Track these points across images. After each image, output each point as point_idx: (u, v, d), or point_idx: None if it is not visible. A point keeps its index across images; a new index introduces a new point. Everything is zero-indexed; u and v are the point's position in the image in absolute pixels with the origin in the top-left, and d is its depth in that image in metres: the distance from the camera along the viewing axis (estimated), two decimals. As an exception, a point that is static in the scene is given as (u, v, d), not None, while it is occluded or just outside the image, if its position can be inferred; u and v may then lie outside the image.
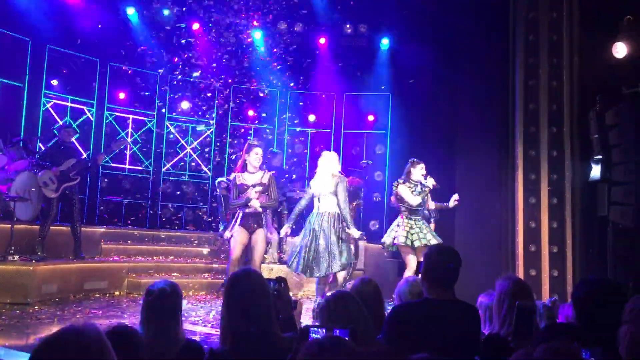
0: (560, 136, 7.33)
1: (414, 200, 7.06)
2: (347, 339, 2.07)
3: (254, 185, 7.01)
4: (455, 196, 7.60)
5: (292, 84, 11.47)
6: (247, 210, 7.00)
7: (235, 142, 11.53)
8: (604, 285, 2.80)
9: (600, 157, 6.81)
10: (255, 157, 7.02)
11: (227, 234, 7.19)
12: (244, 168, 7.12)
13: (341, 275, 6.91)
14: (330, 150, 7.48)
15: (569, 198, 7.19)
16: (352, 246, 7.19)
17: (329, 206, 6.82)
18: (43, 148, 9.27)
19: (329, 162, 6.91)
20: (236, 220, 7.11)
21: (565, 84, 7.31)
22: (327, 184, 6.81)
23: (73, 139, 8.77)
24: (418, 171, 7.23)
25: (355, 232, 6.89)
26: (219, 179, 7.47)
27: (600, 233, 6.91)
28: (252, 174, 7.08)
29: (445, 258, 3.03)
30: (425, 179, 7.18)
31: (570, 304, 3.57)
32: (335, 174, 6.85)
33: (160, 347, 2.71)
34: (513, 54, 7.77)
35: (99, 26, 9.92)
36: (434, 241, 6.92)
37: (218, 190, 9.06)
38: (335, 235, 6.75)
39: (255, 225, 7.02)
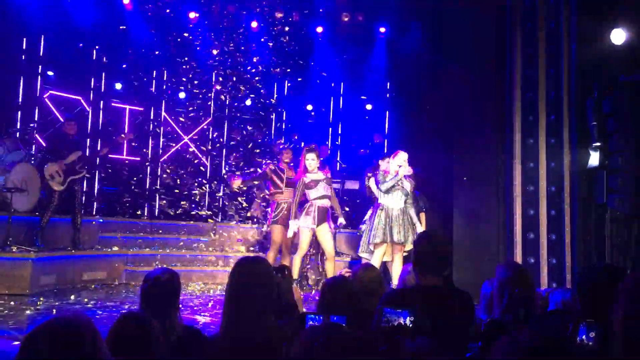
0: (559, 124, 7.31)
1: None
2: (344, 325, 2.07)
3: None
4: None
5: (289, 73, 11.43)
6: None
7: (233, 133, 11.50)
8: (607, 272, 2.80)
9: (598, 144, 6.79)
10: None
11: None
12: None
13: (374, 259, 7.06)
14: (327, 140, 7.68)
15: (567, 186, 7.18)
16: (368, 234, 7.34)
17: None
18: (41, 140, 9.26)
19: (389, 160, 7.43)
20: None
21: (563, 72, 7.28)
22: None
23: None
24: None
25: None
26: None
27: (598, 221, 6.90)
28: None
29: (434, 244, 3.02)
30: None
31: (560, 290, 3.58)
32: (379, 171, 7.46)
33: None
34: (511, 41, 7.73)
35: (95, 16, 9.86)
36: None
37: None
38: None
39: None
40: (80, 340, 1.69)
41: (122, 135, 9.18)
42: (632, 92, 6.29)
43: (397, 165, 7.20)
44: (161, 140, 11.20)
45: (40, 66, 9.71)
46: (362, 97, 11.49)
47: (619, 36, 6.42)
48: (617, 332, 2.13)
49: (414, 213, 7.46)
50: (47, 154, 8.17)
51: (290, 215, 7.70)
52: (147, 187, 10.95)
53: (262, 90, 11.50)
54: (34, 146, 9.11)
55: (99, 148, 9.55)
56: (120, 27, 10.30)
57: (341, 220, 7.94)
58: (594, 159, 6.77)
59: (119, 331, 2.35)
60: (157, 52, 10.73)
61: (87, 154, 9.06)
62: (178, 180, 11.14)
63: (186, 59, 10.95)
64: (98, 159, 9.21)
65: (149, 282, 2.91)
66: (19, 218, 7.87)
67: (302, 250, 7.69)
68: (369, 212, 7.55)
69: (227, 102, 11.53)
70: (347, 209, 9.05)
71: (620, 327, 2.11)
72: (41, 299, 6.96)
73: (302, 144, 11.06)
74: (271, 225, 7.91)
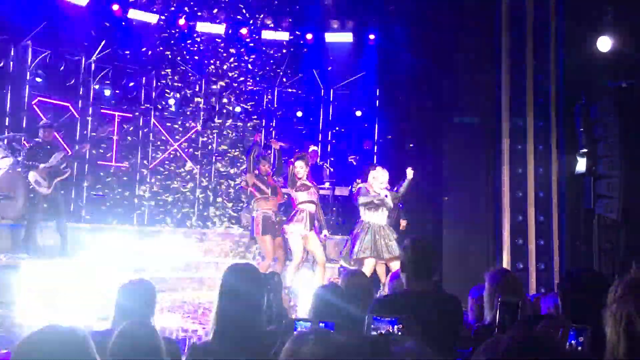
0: (546, 130, 7.37)
1: None
2: (332, 331, 2.07)
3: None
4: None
5: (279, 80, 11.44)
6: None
7: (223, 140, 11.49)
8: (589, 275, 2.82)
9: (586, 150, 6.85)
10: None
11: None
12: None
13: (364, 269, 6.97)
14: (316, 147, 7.63)
15: (555, 191, 7.24)
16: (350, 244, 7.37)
17: None
18: (27, 146, 9.18)
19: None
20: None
21: (551, 78, 7.34)
22: None
23: (56, 135, 8.68)
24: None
25: None
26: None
27: (586, 226, 6.95)
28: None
29: (421, 249, 3.04)
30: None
31: (552, 295, 3.60)
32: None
33: None
34: (499, 48, 7.79)
35: (84, 24, 9.83)
36: None
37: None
38: None
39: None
40: (74, 346, 1.69)
41: (84, 145, 9.03)
42: (620, 99, 6.36)
43: (379, 188, 7.35)
44: (150, 146, 11.16)
45: (28, 72, 9.65)
46: (357, 114, 11.52)
47: (604, 44, 6.49)
48: (608, 336, 2.14)
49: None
50: (25, 161, 8.06)
51: (277, 224, 7.67)
52: (136, 192, 10.90)
53: (249, 104, 11.50)
54: (22, 153, 9.03)
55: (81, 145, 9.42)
56: (110, 34, 10.27)
57: (325, 232, 7.95)
58: (582, 164, 6.83)
59: (127, 339, 2.34)
60: (146, 59, 10.71)
61: (70, 154, 8.96)
62: (168, 187, 11.10)
63: (178, 67, 10.95)
64: (82, 154, 9.10)
65: (122, 295, 2.91)
66: (7, 225, 7.81)
67: (297, 258, 7.56)
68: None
69: (217, 109, 11.51)
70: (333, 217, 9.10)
71: (612, 332, 2.12)
72: (29, 306, 6.89)
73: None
74: (261, 236, 7.68)
